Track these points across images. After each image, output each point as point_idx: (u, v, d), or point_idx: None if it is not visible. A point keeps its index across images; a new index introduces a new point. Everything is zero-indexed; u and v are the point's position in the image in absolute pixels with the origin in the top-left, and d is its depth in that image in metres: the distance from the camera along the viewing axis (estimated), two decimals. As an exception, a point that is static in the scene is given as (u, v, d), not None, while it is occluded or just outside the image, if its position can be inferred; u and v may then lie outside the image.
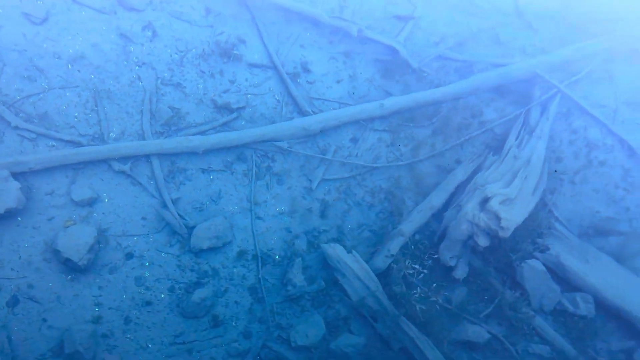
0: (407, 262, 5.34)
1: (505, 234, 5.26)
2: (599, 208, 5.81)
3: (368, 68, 6.31)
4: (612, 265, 5.66)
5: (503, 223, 5.15)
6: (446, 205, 5.86)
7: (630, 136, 6.02)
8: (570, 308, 5.53)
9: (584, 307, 5.49)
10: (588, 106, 6.14)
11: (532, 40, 6.32)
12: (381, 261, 5.62)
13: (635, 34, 6.30)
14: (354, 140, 6.05)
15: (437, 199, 5.92)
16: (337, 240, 5.76)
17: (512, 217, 5.29)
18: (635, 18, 6.30)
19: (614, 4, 6.37)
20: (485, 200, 5.46)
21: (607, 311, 5.42)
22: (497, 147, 6.04)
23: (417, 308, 5.15)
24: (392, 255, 5.59)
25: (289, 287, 5.47)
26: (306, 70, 6.19)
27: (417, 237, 5.77)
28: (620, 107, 6.13)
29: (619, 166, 5.98)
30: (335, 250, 5.55)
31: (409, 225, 5.78)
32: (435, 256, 5.64)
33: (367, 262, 5.61)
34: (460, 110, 6.17)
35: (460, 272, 5.67)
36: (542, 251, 5.71)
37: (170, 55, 5.85)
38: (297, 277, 5.51)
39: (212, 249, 5.32)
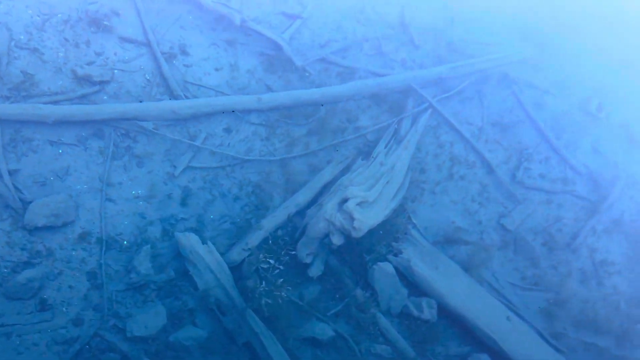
0: (260, 256, 6.82)
1: (357, 235, 6.92)
2: (455, 219, 7.85)
3: (251, 60, 7.93)
4: (460, 273, 7.63)
5: (356, 224, 6.79)
6: (312, 204, 7.53)
7: (491, 155, 8.26)
8: (415, 312, 7.33)
9: (428, 311, 7.32)
10: (456, 123, 8.32)
11: (413, 55, 8.47)
12: (237, 254, 6.95)
13: (506, 60, 8.75)
14: (228, 131, 7.52)
15: (303, 197, 7.54)
16: (195, 230, 7.02)
17: (366, 219, 6.98)
18: (507, 44, 8.76)
19: (492, 30, 8.80)
20: (344, 201, 7.19)
21: (450, 317, 7.24)
22: (368, 152, 7.87)
23: (263, 302, 6.57)
24: (249, 248, 7.00)
25: (133, 275, 6.55)
26: (184, 52, 7.61)
27: (279, 232, 7.24)
28: (485, 127, 8.39)
29: (478, 182, 8.14)
30: (189, 240, 6.76)
31: (272, 221, 7.26)
32: (293, 252, 7.20)
33: (223, 254, 6.94)
34: (338, 113, 7.98)
35: (315, 270, 7.25)
36: (395, 255, 7.53)
37: (31, 17, 6.91)
38: (143, 264, 6.62)
39: (50, 228, 6.23)
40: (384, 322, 6.59)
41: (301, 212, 6.90)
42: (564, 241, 7.13)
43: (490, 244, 7.00)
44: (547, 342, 6.52)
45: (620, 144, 7.98)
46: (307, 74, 7.32)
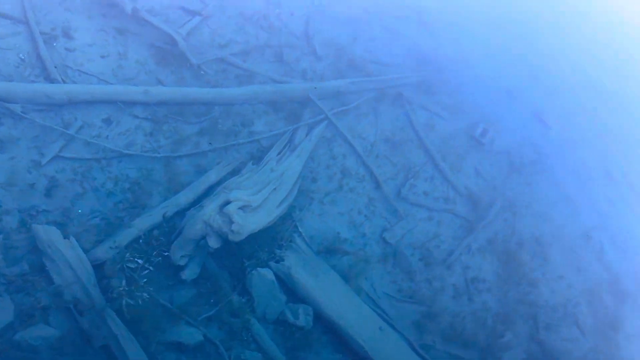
0: (127, 254, 7.63)
1: (235, 238, 7.96)
2: (340, 229, 9.33)
3: (142, 51, 8.92)
4: (339, 283, 9.03)
5: (234, 227, 7.82)
6: (194, 205, 8.55)
7: (380, 170, 9.98)
8: (291, 318, 8.52)
9: (304, 318, 8.55)
10: (350, 136, 9.97)
11: (314, 66, 10.08)
12: (103, 252, 7.58)
13: (402, 81, 10.72)
14: (108, 122, 8.34)
15: (185, 198, 8.51)
16: (59, 224, 7.59)
17: (247, 223, 8.09)
18: (404, 66, 10.77)
19: (391, 51, 10.76)
20: (226, 203, 8.30)
21: (325, 325, 8.55)
22: (259, 157, 9.11)
23: (124, 302, 7.37)
24: (117, 247, 7.78)
25: (-21, 266, 7.03)
26: (67, 36, 8.39)
27: (155, 232, 8.09)
28: (378, 143, 10.14)
29: (366, 195, 9.77)
30: (47, 233, 7.24)
31: (146, 220, 8.08)
32: (167, 254, 8.12)
33: (88, 251, 7.59)
34: (232, 116, 9.21)
35: (190, 273, 8.17)
36: (277, 261, 8.78)
37: None
38: (-7, 256, 7.15)
39: None
40: (257, 328, 7.65)
41: (182, 213, 7.89)
42: (440, 257, 8.91)
43: (371, 256, 8.57)
44: (416, 353, 8.05)
45: (500, 169, 10.15)
46: (202, 73, 8.49)
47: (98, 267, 6.80)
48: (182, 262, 7.25)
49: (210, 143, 7.61)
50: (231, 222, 6.96)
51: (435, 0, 11.39)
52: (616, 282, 9.09)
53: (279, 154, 8.23)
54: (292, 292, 7.67)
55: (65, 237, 6.74)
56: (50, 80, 7.04)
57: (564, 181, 9.75)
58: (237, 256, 7.38)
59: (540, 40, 12.67)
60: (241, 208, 7.15)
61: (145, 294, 6.62)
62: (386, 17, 10.08)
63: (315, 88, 8.32)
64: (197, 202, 7.53)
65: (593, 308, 8.77)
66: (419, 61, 9.87)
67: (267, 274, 7.60)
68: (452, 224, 8.66)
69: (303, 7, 8.97)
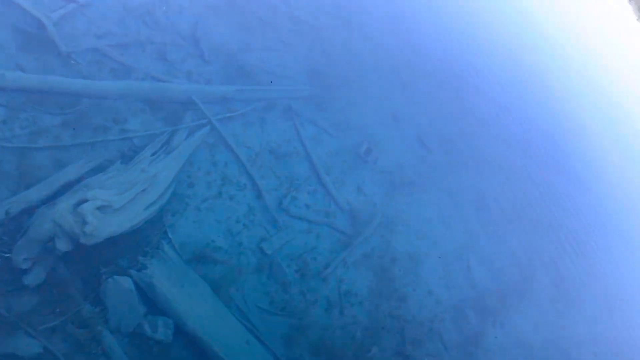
0: None
1: (88, 241, 7.82)
2: (215, 238, 9.62)
3: (3, 33, 8.71)
4: (207, 294, 9.23)
5: (87, 229, 7.70)
6: (46, 202, 8.33)
7: (262, 180, 10.52)
8: (149, 331, 8.53)
9: (163, 331, 8.60)
10: (234, 144, 10.42)
11: (200, 69, 10.46)
12: None
13: (292, 93, 11.49)
14: None
15: (37, 194, 8.25)
16: None
17: (104, 225, 8.01)
18: (296, 79, 11.55)
19: (284, 63, 11.50)
20: (83, 202, 8.23)
21: (187, 338, 8.68)
22: (131, 157, 9.25)
23: None
24: None
25: None
26: None
27: None
28: (262, 153, 10.69)
29: (246, 204, 10.21)
30: None
31: None
32: (8, 255, 7.80)
33: None
34: (103, 110, 9.19)
35: (33, 278, 7.87)
36: (138, 269, 8.82)
37: None
38: None
39: None
40: (109, 340, 7.58)
41: (32, 211, 7.67)
42: (316, 270, 9.57)
43: (246, 266, 8.97)
44: (283, 367, 8.43)
45: (381, 187, 11.22)
46: (73, 62, 8.45)
47: None
48: (25, 266, 6.93)
49: (73, 129, 7.55)
50: (84, 222, 6.77)
51: (331, 18, 12.47)
52: (480, 299, 10.43)
53: (153, 154, 8.36)
54: (153, 303, 7.67)
55: None
56: None
57: (440, 202, 11.06)
58: (94, 262, 7.31)
59: (427, 66, 14.36)
60: (99, 208, 7.02)
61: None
62: (281, 28, 10.84)
63: (199, 91, 8.64)
64: (51, 199, 7.37)
65: (457, 324, 9.96)
66: (311, 76, 10.70)
67: (126, 282, 7.48)
68: (331, 238, 9.39)
69: (193, 7, 9.40)
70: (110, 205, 7.14)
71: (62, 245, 7.00)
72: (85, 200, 7.11)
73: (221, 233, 8.48)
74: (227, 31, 9.73)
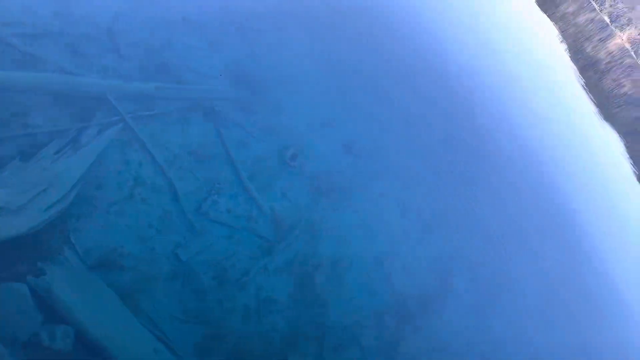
0: None
1: None
2: (125, 243, 9.35)
3: None
4: (112, 301, 8.96)
5: None
6: None
7: (181, 183, 10.38)
8: (46, 341, 8.16)
9: (62, 341, 8.17)
10: (151, 144, 10.21)
11: (117, 65, 10.19)
12: None
13: (217, 94, 11.47)
14: None
15: None
16: None
17: None
18: (222, 79, 11.52)
19: (210, 63, 11.47)
20: None
21: (89, 348, 8.34)
22: (32, 154, 8.83)
23: None
24: None
25: None
26: None
27: None
28: (182, 154, 10.56)
29: (161, 207, 10.01)
30: None
31: None
32: None
33: None
34: (3, 103, 8.77)
35: None
36: (36, 275, 8.41)
37: None
38: None
39: None
40: (2, 351, 7.23)
41: None
42: (234, 277, 9.56)
43: (158, 273, 8.80)
44: (196, 376, 8.33)
45: (306, 193, 11.42)
46: None
47: None
48: None
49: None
50: (-25, 224, 6.26)
51: (261, 21, 12.64)
52: (401, 304, 10.91)
53: (57, 152, 8.07)
54: (52, 310, 7.39)
55: None
56: None
57: (364, 209, 11.48)
58: (-19, 266, 6.89)
59: (358, 73, 14.91)
60: (-6, 208, 6.67)
61: None
62: (207, 28, 10.85)
63: (113, 87, 8.45)
64: None
65: (378, 330, 10.35)
66: (238, 78, 10.77)
67: (21, 288, 7.15)
68: (252, 244, 9.46)
69: (110, 2, 9.20)
70: (6, 206, 6.82)
71: (-53, 249, 6.27)
72: (-24, 200, 6.60)
73: (132, 238, 8.31)
74: (148, 26, 9.62)
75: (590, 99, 46.33)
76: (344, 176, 11.62)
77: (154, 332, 7.88)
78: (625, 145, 49.17)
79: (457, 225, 13.71)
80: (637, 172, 43.53)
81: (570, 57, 55.68)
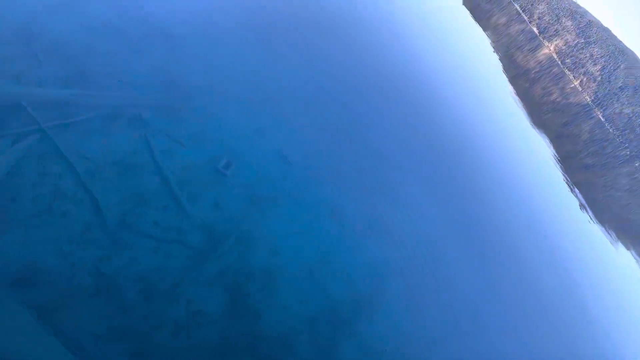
0: None
1: None
2: (43, 258, 9.06)
3: None
4: (27, 320, 8.75)
5: None
6: None
7: (104, 195, 10.19)
8: None
9: None
10: (71, 154, 9.97)
11: (34, 70, 9.88)
12: None
13: (143, 101, 11.36)
14: None
15: None
16: None
17: None
18: (148, 87, 11.43)
19: (134, 69, 11.35)
20: None
21: None
22: None
23: None
24: None
25: None
26: None
27: None
28: (105, 165, 10.39)
29: (82, 221, 9.79)
30: None
31: None
32: None
33: None
34: None
35: None
36: None
37: None
38: None
39: None
40: None
41: None
42: (163, 290, 9.51)
43: (79, 289, 8.60)
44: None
45: (240, 202, 11.58)
46: None
47: None
48: None
49: None
50: None
51: (189, 27, 12.71)
52: (335, 311, 11.30)
53: (-36, 164, 7.76)
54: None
55: None
56: None
57: (298, 217, 11.80)
58: None
59: (292, 81, 15.28)
60: None
61: None
62: (131, 34, 10.78)
63: (29, 94, 8.23)
64: None
65: (312, 337, 10.66)
66: (164, 85, 10.77)
67: None
68: (182, 256, 9.48)
69: (28, 2, 8.96)
70: None
71: None
72: None
73: (50, 253, 8.14)
74: (67, 31, 9.46)
75: (521, 106, 49.69)
76: (278, 184, 11.92)
77: (76, 353, 7.78)
78: (554, 149, 53.08)
79: (390, 230, 14.39)
80: (565, 175, 47.13)
81: (502, 66, 59.37)
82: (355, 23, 24.19)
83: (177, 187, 9.50)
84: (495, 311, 16.72)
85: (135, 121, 9.42)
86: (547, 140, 52.60)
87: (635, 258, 44.62)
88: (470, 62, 42.65)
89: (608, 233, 53.45)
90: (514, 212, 24.84)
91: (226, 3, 14.97)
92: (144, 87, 9.87)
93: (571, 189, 42.17)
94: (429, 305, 13.71)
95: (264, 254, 10.36)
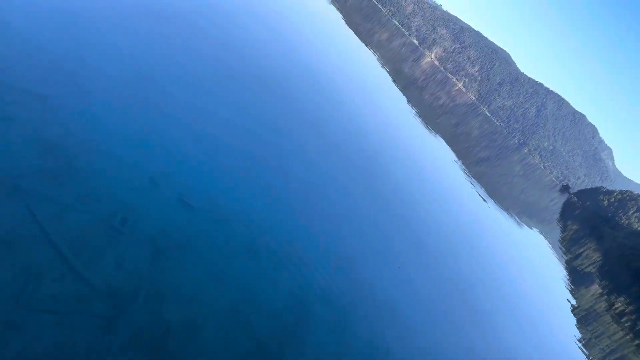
0: None
1: None
2: None
3: None
4: None
5: None
6: None
7: None
8: None
9: None
10: None
11: None
12: None
13: (20, 170, 10.82)
14: None
15: None
16: None
17: None
18: (20, 154, 10.90)
19: (6, 138, 10.82)
20: None
21: None
22: None
23: None
24: None
25: None
26: None
27: None
28: None
29: None
30: None
31: None
32: None
33: None
34: None
35: None
36: None
37: None
38: None
39: None
40: None
41: None
42: None
43: None
44: None
45: (145, 256, 11.34)
46: None
47: None
48: None
49: None
50: None
51: (61, 86, 12.49)
52: (261, 348, 11.44)
53: None
54: None
55: None
56: None
57: (211, 260, 11.87)
58: None
59: (182, 123, 15.46)
60: None
61: None
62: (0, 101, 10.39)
63: None
64: None
65: (243, 380, 10.65)
66: (43, 149, 10.45)
67: None
68: (88, 326, 9.13)
69: None
70: None
71: None
72: None
73: None
74: None
75: (416, 114, 53.58)
76: (183, 231, 11.99)
77: None
78: (451, 148, 57.65)
79: (305, 255, 14.92)
80: (465, 170, 51.23)
81: (392, 78, 63.70)
82: (249, 38, 24.96)
83: (71, 254, 9.28)
84: (419, 314, 17.79)
85: (14, 192, 9.13)
86: (444, 142, 57.08)
87: (540, 234, 49.39)
88: (363, 79, 45.38)
89: (513, 217, 58.75)
90: (427, 214, 26.71)
91: (97, 56, 14.92)
92: (19, 154, 9.62)
93: (472, 183, 46.08)
94: (354, 321, 14.37)
95: (179, 305, 10.37)
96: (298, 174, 17.93)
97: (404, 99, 43.05)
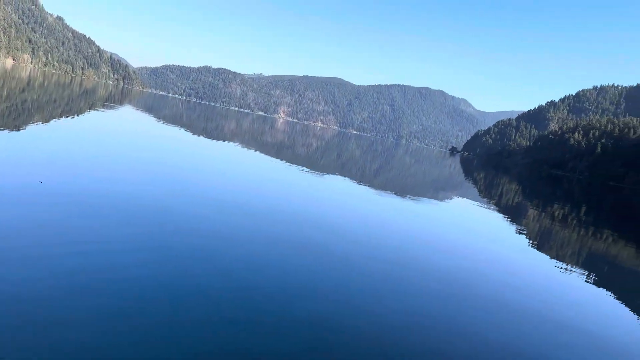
0: None
1: None
2: None
3: None
4: None
5: None
6: None
7: None
8: None
9: None
10: None
11: None
12: None
13: None
14: None
15: None
16: None
17: None
18: None
19: None
20: None
21: None
22: None
23: None
24: None
25: None
26: None
27: None
28: None
29: None
30: None
31: None
32: None
33: None
34: None
35: None
36: None
37: None
38: None
39: None
40: None
41: None
42: None
43: None
44: None
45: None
46: None
47: None
48: None
49: None
50: None
51: None
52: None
53: None
54: None
55: None
56: None
57: None
58: None
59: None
60: None
61: None
62: None
63: None
64: None
65: None
66: None
67: None
68: None
69: None
70: None
71: None
72: None
73: None
74: None
75: (301, 168, 46.90)
76: None
77: None
78: (361, 182, 51.41)
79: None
80: (371, 190, 44.69)
81: (262, 153, 57.15)
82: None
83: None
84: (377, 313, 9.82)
85: None
86: (348, 178, 50.97)
87: (462, 198, 43.52)
88: (246, 167, 37.60)
89: (431, 198, 53.53)
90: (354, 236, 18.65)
91: None
92: None
93: (382, 195, 39.78)
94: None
95: None
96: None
97: (282, 162, 36.77)
